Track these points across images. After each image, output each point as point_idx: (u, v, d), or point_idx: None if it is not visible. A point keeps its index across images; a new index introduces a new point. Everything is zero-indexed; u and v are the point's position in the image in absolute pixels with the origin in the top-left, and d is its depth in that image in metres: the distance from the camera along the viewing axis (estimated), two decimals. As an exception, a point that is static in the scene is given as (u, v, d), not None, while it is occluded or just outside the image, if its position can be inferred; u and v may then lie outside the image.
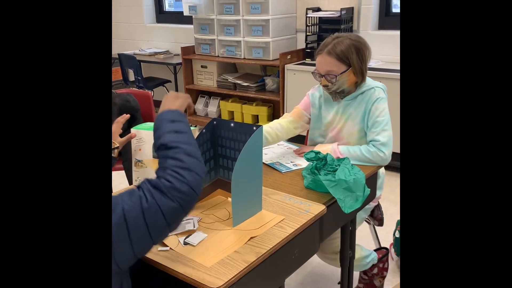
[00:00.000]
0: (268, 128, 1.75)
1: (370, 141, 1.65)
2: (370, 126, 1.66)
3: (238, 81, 4.07)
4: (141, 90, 3.06)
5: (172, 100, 1.13)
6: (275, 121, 1.82)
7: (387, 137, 1.62)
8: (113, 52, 5.05)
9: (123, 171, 2.42)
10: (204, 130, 1.33)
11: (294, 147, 1.88)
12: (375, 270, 1.95)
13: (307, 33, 3.70)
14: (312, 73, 1.72)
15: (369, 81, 1.72)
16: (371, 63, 3.28)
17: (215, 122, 1.37)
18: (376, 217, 1.96)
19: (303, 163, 1.68)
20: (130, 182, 2.26)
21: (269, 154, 1.79)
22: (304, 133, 2.22)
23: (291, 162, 1.71)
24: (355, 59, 1.63)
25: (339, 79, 1.65)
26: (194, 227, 1.23)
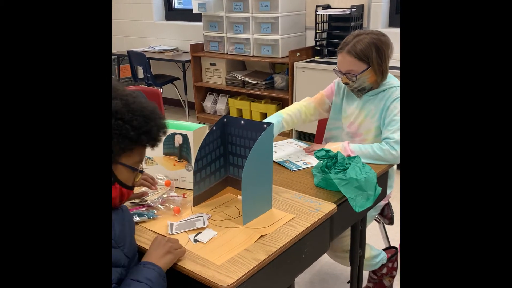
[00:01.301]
0: (287, 115, 1.78)
1: (384, 138, 1.64)
2: (386, 124, 1.65)
3: (247, 79, 4.06)
4: (150, 87, 3.07)
5: (162, 254, 1.06)
6: (295, 106, 1.83)
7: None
8: (122, 49, 5.07)
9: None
10: (214, 128, 1.33)
11: (304, 145, 1.87)
12: (384, 270, 1.94)
13: (317, 31, 3.68)
14: (334, 70, 1.73)
15: (393, 80, 1.71)
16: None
17: (225, 120, 1.37)
18: (386, 216, 1.95)
19: (313, 161, 1.67)
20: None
21: (279, 152, 1.79)
22: (314, 130, 2.21)
23: (301, 160, 1.70)
24: (375, 58, 1.62)
25: (359, 78, 1.66)
26: (204, 224, 1.22)
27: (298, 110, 1.82)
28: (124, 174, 1.05)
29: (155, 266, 1.03)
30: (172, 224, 1.23)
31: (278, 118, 1.74)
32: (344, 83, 1.72)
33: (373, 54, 1.62)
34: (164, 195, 1.39)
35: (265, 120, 1.73)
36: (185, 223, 1.23)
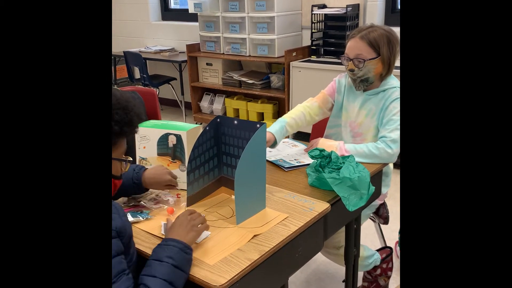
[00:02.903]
0: (291, 119, 1.78)
1: (381, 137, 1.65)
2: (384, 123, 1.66)
3: (243, 79, 4.06)
4: (146, 87, 3.07)
5: (185, 233, 1.09)
6: (298, 108, 1.83)
7: (398, 135, 1.61)
8: (119, 50, 5.06)
9: (128, 169, 2.42)
10: (207, 128, 1.33)
11: (299, 144, 1.87)
12: (378, 271, 1.94)
13: (313, 30, 3.69)
14: (341, 56, 1.74)
15: (394, 81, 1.72)
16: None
17: (218, 120, 1.37)
18: (382, 216, 1.95)
19: (307, 160, 1.67)
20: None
21: (273, 151, 1.79)
22: (310, 130, 2.22)
23: (295, 159, 1.70)
24: (386, 49, 1.65)
25: (367, 65, 1.66)
26: (197, 225, 1.22)
27: (302, 112, 1.82)
28: (113, 167, 1.09)
29: (176, 242, 1.04)
30: (165, 225, 1.23)
31: (281, 123, 1.75)
32: (349, 70, 1.71)
33: (385, 45, 1.65)
34: (158, 196, 1.39)
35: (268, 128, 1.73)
36: None
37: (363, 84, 1.71)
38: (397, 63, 3.56)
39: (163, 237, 1.17)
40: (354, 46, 1.68)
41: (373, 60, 1.65)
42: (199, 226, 1.12)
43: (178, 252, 1.03)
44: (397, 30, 3.88)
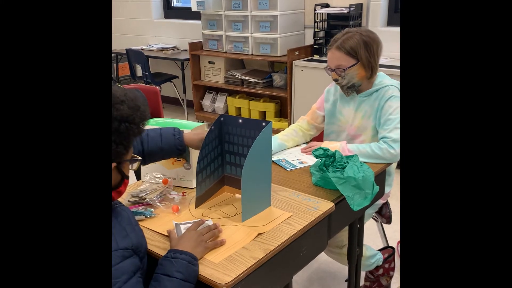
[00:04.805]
0: (282, 135, 1.81)
1: (382, 138, 1.65)
2: (382, 123, 1.66)
3: (246, 77, 4.06)
4: (148, 85, 3.07)
5: (194, 245, 1.08)
6: (290, 127, 1.88)
7: (398, 134, 1.61)
8: (121, 47, 5.06)
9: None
10: (213, 127, 1.33)
11: (302, 144, 1.87)
12: (381, 271, 1.94)
13: (316, 29, 3.68)
14: (325, 68, 1.76)
15: (385, 79, 1.73)
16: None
17: (222, 119, 1.36)
18: (384, 215, 1.95)
19: (309, 160, 1.67)
20: (138, 177, 2.27)
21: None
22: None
23: (298, 159, 1.70)
24: (364, 53, 1.65)
25: (348, 73, 1.67)
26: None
27: (293, 129, 1.86)
28: (126, 168, 1.08)
29: (184, 254, 1.03)
30: (179, 226, 1.21)
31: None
32: (334, 80, 1.75)
33: (362, 50, 1.66)
34: (163, 193, 1.38)
35: None
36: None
37: (351, 90, 1.74)
38: (397, 63, 3.56)
39: (167, 235, 1.17)
40: (332, 57, 1.70)
41: (353, 66, 1.67)
42: (208, 242, 1.11)
43: (187, 266, 1.02)
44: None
